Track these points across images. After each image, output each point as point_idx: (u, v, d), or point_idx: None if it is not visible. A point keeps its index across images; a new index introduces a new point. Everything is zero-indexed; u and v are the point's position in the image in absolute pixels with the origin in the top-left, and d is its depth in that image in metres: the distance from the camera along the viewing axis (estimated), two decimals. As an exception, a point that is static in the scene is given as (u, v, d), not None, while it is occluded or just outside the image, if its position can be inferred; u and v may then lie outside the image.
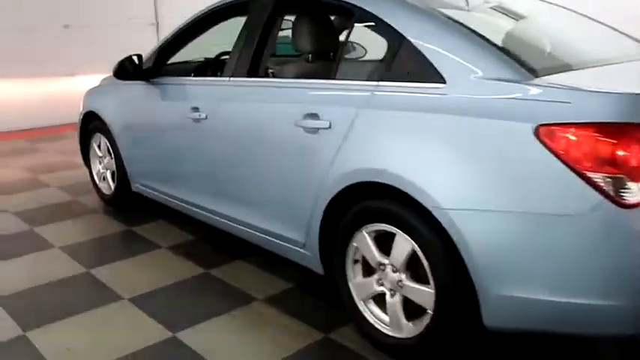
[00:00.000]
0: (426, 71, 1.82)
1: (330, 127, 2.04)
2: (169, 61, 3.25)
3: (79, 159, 4.03)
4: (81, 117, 3.82)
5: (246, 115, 2.45)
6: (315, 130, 2.10)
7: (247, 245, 2.65)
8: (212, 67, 3.33)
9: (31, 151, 5.66)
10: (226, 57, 3.44)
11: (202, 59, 3.78)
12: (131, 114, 3.30)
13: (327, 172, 2.04)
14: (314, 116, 2.10)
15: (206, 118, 2.62)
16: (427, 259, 1.80)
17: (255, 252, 2.74)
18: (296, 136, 2.17)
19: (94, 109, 3.64)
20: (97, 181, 3.87)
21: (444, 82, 1.77)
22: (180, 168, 2.99)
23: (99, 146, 3.75)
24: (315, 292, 2.49)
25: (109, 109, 3.50)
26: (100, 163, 3.80)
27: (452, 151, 1.71)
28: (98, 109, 3.58)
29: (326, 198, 2.06)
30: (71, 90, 6.70)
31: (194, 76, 3.27)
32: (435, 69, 1.80)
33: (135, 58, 3.09)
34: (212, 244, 3.08)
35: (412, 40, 1.88)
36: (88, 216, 3.62)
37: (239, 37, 2.63)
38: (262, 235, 2.47)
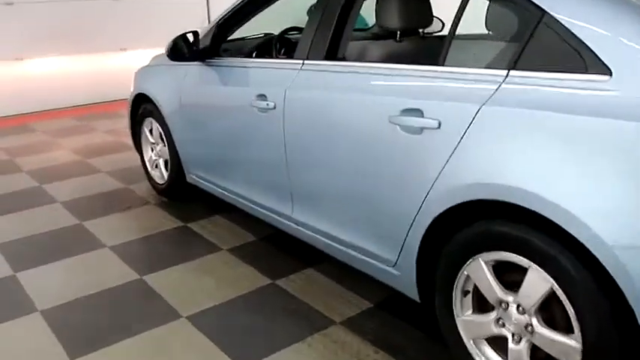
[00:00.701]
0: (581, 58, 1.37)
1: (439, 128, 1.62)
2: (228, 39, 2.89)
3: (130, 140, 3.75)
4: (131, 99, 3.51)
5: (325, 108, 2.05)
6: (417, 130, 1.68)
7: (320, 250, 2.29)
8: (277, 46, 2.93)
9: (80, 130, 5.46)
10: (294, 34, 3.06)
11: (262, 35, 3.40)
12: (186, 99, 2.95)
13: (434, 182, 1.63)
14: (416, 112, 1.68)
15: (274, 108, 2.24)
16: (572, 304, 1.38)
17: (329, 258, 2.36)
18: (391, 136, 1.76)
19: (145, 92, 3.31)
20: (149, 169, 3.58)
21: (609, 74, 1.32)
22: (243, 163, 2.64)
23: (150, 131, 3.45)
24: (400, 313, 2.12)
25: (161, 93, 3.17)
26: (153, 150, 3.50)
27: (619, 169, 1.27)
28: (150, 92, 3.25)
29: (430, 214, 1.66)
30: (122, 65, 6.47)
31: (256, 56, 2.89)
32: (596, 55, 1.34)
33: (190, 36, 2.73)
34: (278, 246, 2.74)
35: (558, 17, 1.43)
36: (140, 209, 3.34)
37: (314, 10, 2.22)
38: (343, 247, 2.10)
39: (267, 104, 2.26)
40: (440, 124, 1.61)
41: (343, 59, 2.13)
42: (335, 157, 2.02)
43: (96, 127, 5.52)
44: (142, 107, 3.43)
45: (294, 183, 2.27)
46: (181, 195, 3.37)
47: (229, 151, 2.73)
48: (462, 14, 1.67)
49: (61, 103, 6.37)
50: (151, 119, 3.37)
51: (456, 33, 1.70)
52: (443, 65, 1.71)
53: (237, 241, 2.81)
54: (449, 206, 1.59)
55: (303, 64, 2.17)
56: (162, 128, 3.25)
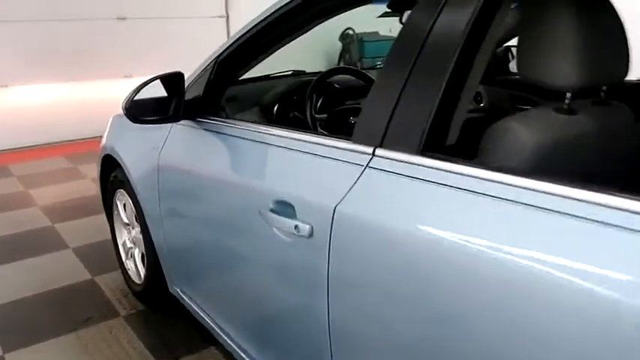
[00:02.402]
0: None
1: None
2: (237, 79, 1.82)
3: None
4: (100, 158, 2.46)
5: (421, 247, 0.93)
6: None
7: None
8: (314, 102, 1.83)
9: (64, 176, 4.44)
10: (344, 80, 1.99)
11: (288, 73, 2.34)
12: (167, 177, 1.86)
13: None
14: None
15: (310, 235, 1.13)
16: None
17: None
18: None
19: (114, 154, 2.26)
20: (123, 257, 2.51)
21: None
22: (246, 296, 1.54)
23: (125, 207, 2.38)
24: None
25: (133, 161, 2.10)
26: (128, 232, 2.43)
27: None
28: (120, 157, 2.19)
29: None
30: (126, 95, 5.47)
31: (278, 117, 1.82)
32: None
33: (171, 80, 1.65)
34: None
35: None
36: (103, 326, 2.25)
37: (393, 54, 1.14)
38: None
39: (297, 227, 1.16)
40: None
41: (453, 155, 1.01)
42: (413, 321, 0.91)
43: (85, 172, 4.50)
44: (113, 173, 2.37)
45: (337, 344, 1.15)
46: (163, 305, 2.27)
47: (227, 275, 1.63)
48: None
49: (51, 137, 5.39)
50: (123, 192, 2.30)
51: None
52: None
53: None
54: None
55: (372, 156, 1.06)
56: (135, 209, 2.17)
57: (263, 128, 1.44)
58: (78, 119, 5.38)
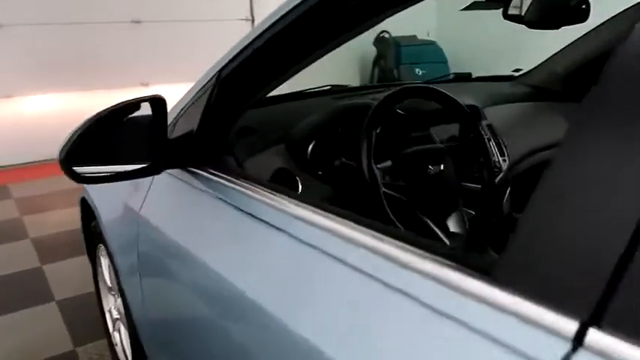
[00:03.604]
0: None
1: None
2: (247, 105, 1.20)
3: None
4: (80, 197, 1.89)
5: None
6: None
7: None
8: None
9: (66, 200, 3.91)
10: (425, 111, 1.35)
11: (326, 89, 1.76)
12: (150, 244, 1.26)
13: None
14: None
15: None
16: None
17: None
18: None
19: (88, 198, 1.68)
20: (110, 328, 1.94)
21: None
22: None
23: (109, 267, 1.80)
24: None
25: (108, 212, 1.52)
26: (114, 299, 1.86)
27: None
28: (94, 203, 1.62)
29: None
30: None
31: (314, 166, 1.21)
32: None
33: (151, 108, 1.05)
34: None
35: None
36: None
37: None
38: None
39: None
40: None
41: None
42: None
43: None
44: (93, 222, 1.79)
45: None
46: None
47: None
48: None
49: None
50: (104, 248, 1.72)
51: None
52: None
53: None
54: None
55: (576, 344, 0.42)
56: (116, 276, 1.58)
57: (295, 207, 0.81)
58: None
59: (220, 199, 0.98)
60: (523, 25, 1.44)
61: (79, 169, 1.00)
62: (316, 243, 0.72)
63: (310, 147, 1.24)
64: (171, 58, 5.32)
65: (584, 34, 1.90)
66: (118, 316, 1.85)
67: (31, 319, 2.34)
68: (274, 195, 0.86)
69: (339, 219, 0.72)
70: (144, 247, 1.28)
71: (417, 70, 6.01)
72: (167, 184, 1.20)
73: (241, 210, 0.91)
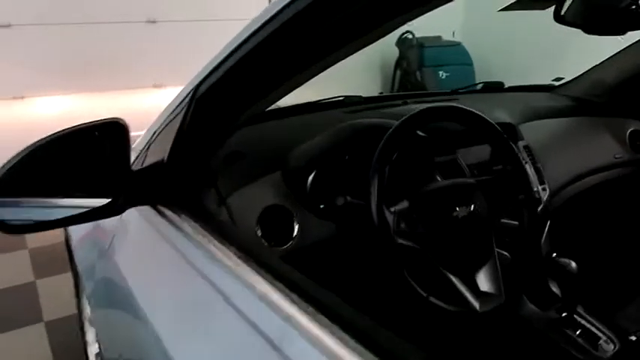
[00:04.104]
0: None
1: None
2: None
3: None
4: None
5: None
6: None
7: None
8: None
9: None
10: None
11: (340, 99, 1.53)
12: (117, 297, 1.05)
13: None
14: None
15: None
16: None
17: None
18: None
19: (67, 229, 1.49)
20: (93, 362, 1.75)
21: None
22: None
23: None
24: None
25: (80, 248, 1.31)
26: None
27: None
28: (70, 236, 1.42)
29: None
30: (155, 107, 4.78)
31: (314, 202, 0.99)
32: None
33: (105, 135, 0.84)
34: None
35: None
36: None
37: None
38: None
39: None
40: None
41: None
42: None
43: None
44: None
45: None
46: None
47: None
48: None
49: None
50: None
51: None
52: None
53: None
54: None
55: None
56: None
57: (265, 285, 0.59)
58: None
59: (178, 250, 0.77)
60: (564, 29, 1.20)
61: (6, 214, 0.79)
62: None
63: (311, 178, 1.02)
64: (188, 59, 5.12)
65: (634, 42, 1.64)
66: (98, 351, 1.65)
67: (16, 342, 2.17)
68: (240, 260, 0.64)
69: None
70: (99, 278, 1.08)
71: (440, 72, 5.73)
72: (135, 219, 0.99)
73: (199, 271, 0.70)
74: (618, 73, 1.69)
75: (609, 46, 1.65)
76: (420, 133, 1.11)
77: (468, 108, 1.02)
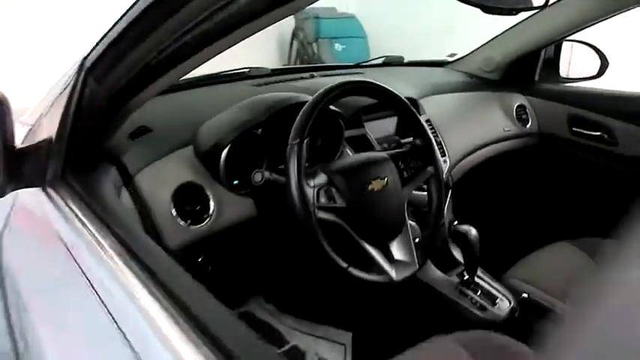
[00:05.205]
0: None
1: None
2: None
3: None
4: None
5: None
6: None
7: None
8: None
9: None
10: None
11: (246, 70, 1.49)
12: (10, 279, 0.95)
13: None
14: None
15: None
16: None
17: None
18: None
19: None
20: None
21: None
22: None
23: None
24: None
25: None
26: None
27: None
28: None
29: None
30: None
31: (228, 181, 1.00)
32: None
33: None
34: None
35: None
36: None
37: None
38: None
39: None
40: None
41: None
42: None
43: None
44: None
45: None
46: None
47: None
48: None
49: None
50: None
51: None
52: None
53: None
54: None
55: None
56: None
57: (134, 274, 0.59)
58: None
59: (60, 237, 0.72)
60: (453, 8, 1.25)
61: None
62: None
63: (224, 153, 0.98)
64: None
65: (519, 22, 1.76)
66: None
67: None
68: (112, 250, 0.62)
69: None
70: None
71: (336, 45, 5.77)
72: (26, 203, 0.89)
73: (71, 255, 0.66)
74: (505, 51, 1.80)
75: (493, 26, 1.76)
76: (332, 108, 1.12)
77: (381, 84, 1.03)
